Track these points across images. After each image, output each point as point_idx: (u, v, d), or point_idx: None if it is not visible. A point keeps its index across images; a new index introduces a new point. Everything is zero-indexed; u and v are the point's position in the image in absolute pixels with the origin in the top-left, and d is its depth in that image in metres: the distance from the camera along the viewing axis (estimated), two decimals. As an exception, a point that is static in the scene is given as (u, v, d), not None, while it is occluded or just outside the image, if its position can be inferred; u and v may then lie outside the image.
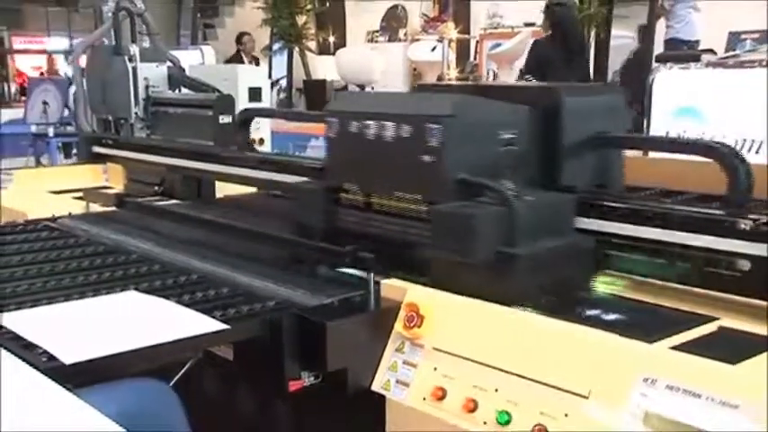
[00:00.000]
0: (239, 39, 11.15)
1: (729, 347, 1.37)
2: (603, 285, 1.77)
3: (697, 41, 7.45)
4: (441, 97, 1.86)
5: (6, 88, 15.19)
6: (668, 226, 1.63)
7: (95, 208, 2.69)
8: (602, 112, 1.90)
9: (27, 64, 16.41)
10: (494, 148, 1.73)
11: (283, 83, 12.11)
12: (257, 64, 11.09)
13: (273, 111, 7.51)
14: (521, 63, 9.82)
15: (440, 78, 10.32)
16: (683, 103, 6.16)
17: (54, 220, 2.52)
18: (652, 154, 2.25)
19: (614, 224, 1.72)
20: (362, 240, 1.82)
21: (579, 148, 1.83)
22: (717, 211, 1.62)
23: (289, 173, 2.34)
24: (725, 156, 1.65)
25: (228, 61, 10.89)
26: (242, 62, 10.54)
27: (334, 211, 1.94)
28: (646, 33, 7.69)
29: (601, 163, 1.88)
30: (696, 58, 6.35)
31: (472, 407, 1.41)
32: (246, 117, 2.82)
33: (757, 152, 5.84)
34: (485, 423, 1.39)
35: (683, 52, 6.45)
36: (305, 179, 2.16)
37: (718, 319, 1.55)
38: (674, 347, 1.39)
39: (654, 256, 1.69)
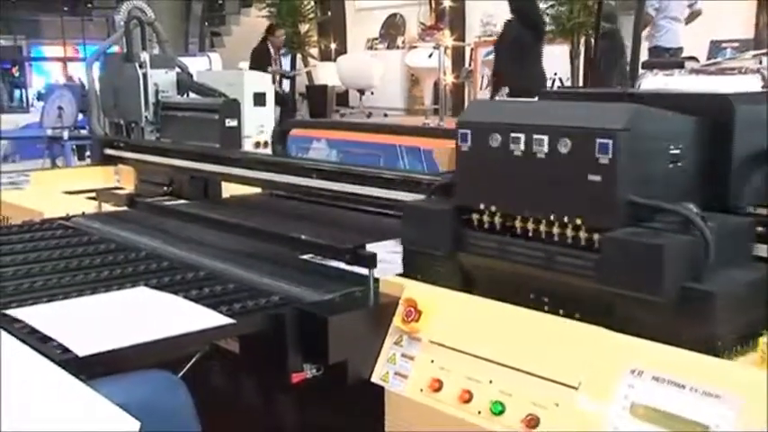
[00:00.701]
0: (271, 30, 10.88)
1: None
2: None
3: (679, 49, 7.46)
4: (611, 107, 1.49)
5: (24, 94, 15.19)
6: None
7: (107, 207, 2.69)
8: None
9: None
10: (665, 165, 1.45)
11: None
12: (279, 58, 10.90)
13: (324, 122, 7.27)
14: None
15: (436, 84, 10.32)
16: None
17: (68, 219, 2.52)
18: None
19: None
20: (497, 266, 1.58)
21: (751, 162, 1.52)
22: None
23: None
24: None
25: (255, 50, 10.68)
26: (268, 52, 10.34)
27: (465, 235, 1.64)
28: (633, 41, 7.70)
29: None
30: (680, 65, 6.35)
31: (467, 397, 1.41)
32: (286, 128, 2.70)
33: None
34: (479, 413, 1.39)
35: (668, 60, 6.45)
36: (422, 197, 1.88)
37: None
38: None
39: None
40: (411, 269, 1.72)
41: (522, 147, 1.49)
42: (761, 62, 6.11)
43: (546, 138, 1.45)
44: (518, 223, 1.54)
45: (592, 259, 1.40)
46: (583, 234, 1.44)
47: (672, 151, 1.45)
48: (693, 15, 7.44)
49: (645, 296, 1.32)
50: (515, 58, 6.71)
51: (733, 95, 1.59)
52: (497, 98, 6.77)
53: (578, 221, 1.44)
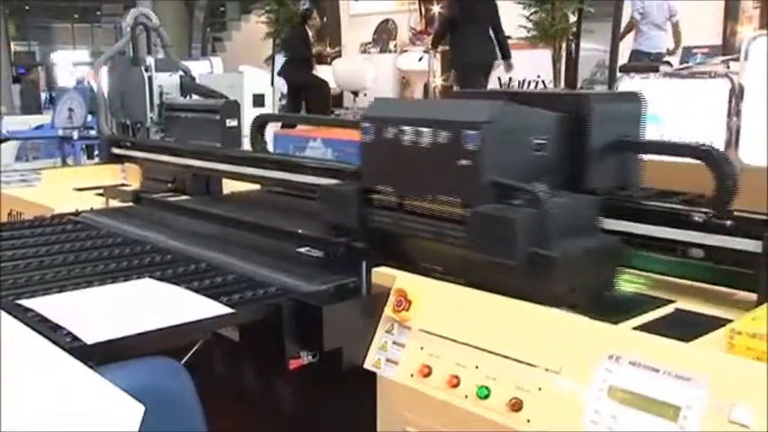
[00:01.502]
0: (309, 14, 10.30)
1: (684, 327, 1.37)
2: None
3: (661, 54, 7.49)
4: (480, 104, 1.69)
5: (36, 97, 15.20)
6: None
7: (114, 203, 2.68)
8: (619, 117, 1.78)
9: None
10: (529, 152, 1.63)
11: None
12: (320, 38, 10.53)
13: (295, 117, 7.37)
14: (499, 72, 9.84)
15: (426, 86, 10.32)
16: (644, 108, 6.18)
17: (77, 214, 2.51)
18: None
19: (635, 224, 1.63)
20: (394, 239, 1.77)
21: (602, 151, 1.72)
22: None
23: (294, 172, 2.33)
24: (716, 160, 1.58)
25: (292, 37, 10.30)
26: (306, 35, 9.93)
27: (368, 213, 1.83)
28: (611, 46, 7.73)
29: (621, 165, 1.77)
30: (655, 69, 6.38)
31: (455, 382, 1.41)
32: (261, 122, 2.76)
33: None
34: (466, 397, 1.39)
35: (644, 64, 6.47)
36: (337, 182, 2.05)
37: (674, 301, 1.56)
38: (636, 327, 1.40)
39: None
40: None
41: (409, 137, 1.68)
42: (728, 66, 6.17)
43: (428, 130, 1.64)
44: (409, 202, 1.73)
45: (464, 231, 1.59)
46: (458, 210, 1.61)
47: (535, 141, 1.64)
48: (676, 34, 7.47)
49: (501, 260, 1.50)
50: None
51: (591, 95, 1.82)
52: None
53: (454, 200, 1.62)
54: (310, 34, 9.97)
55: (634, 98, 1.80)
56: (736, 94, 5.69)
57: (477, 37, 7.08)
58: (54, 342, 1.29)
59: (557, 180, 1.64)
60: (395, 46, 12.19)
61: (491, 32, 7.11)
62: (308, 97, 9.36)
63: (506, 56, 7.34)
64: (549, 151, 1.66)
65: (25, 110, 12.58)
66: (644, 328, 1.40)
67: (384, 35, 12.80)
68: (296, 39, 10.00)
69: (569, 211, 1.55)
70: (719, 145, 5.75)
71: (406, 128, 1.69)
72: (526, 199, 1.52)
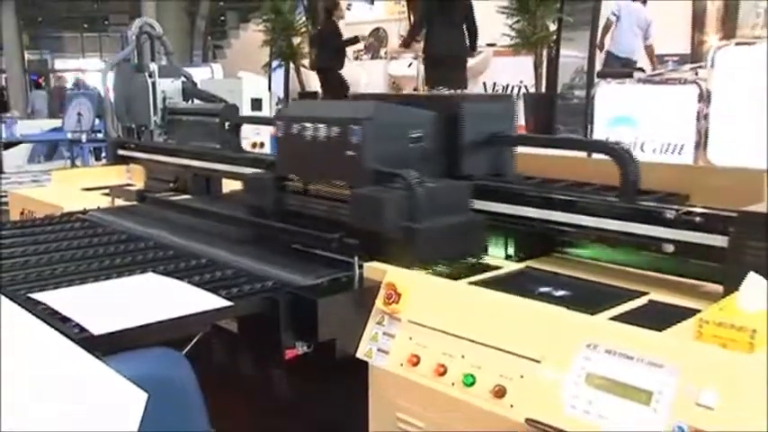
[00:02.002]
0: (335, 5, 10.06)
1: (656, 317, 1.37)
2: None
3: (629, 60, 7.51)
4: (364, 104, 1.92)
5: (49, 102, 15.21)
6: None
7: (120, 202, 2.67)
8: (491, 116, 2.02)
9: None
10: (404, 144, 1.84)
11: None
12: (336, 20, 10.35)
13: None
14: (484, 77, 9.86)
15: (415, 90, 10.30)
16: (619, 112, 6.21)
17: (85, 213, 2.50)
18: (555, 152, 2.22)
19: (502, 205, 1.83)
20: (301, 218, 1.99)
21: (474, 145, 1.94)
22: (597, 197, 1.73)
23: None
24: (619, 154, 1.71)
25: (321, 30, 9.99)
26: (336, 27, 9.71)
27: (281, 197, 2.08)
28: (589, 54, 7.74)
29: (495, 156, 2.00)
30: (629, 75, 6.40)
31: (442, 371, 1.41)
32: (238, 123, 2.86)
33: (680, 153, 5.91)
34: (453, 384, 1.39)
35: (620, 70, 6.50)
36: (259, 171, 2.25)
37: (648, 293, 1.56)
38: (613, 318, 1.40)
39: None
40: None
41: (310, 133, 1.88)
42: (696, 73, 6.21)
43: (323, 126, 1.85)
44: (312, 187, 2.00)
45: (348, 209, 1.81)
46: (347, 192, 1.81)
47: (412, 135, 1.84)
48: (650, 55, 7.49)
49: (376, 231, 1.68)
50: None
51: (463, 97, 2.09)
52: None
53: (344, 184, 1.85)
54: (338, 23, 9.71)
55: (506, 99, 2.04)
56: (704, 100, 5.73)
57: (449, 31, 7.04)
58: (63, 333, 1.28)
59: (436, 168, 1.87)
60: (385, 53, 12.18)
61: (464, 28, 7.09)
62: (331, 91, 9.27)
63: (473, 48, 7.35)
64: (428, 143, 1.87)
65: (52, 115, 12.54)
66: (619, 318, 1.40)
67: (375, 42, 12.80)
68: (324, 32, 9.75)
69: (437, 193, 1.74)
70: (689, 146, 5.79)
71: (307, 125, 1.89)
72: (404, 183, 1.71)
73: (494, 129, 1.98)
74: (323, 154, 1.85)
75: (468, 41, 7.16)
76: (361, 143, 1.74)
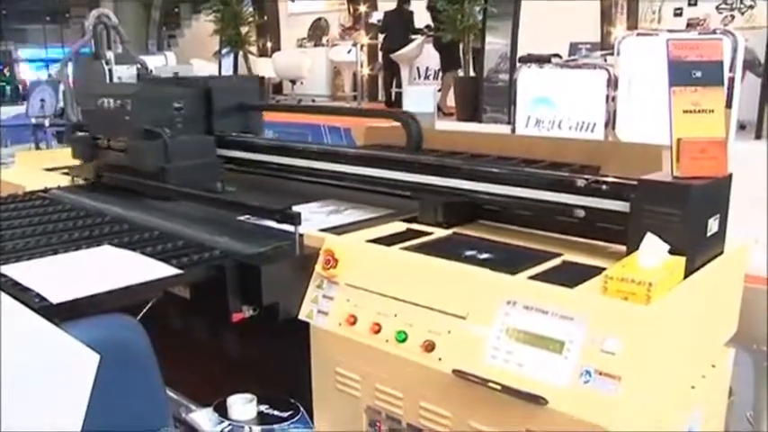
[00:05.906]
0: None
1: (569, 276, 1.39)
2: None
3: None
4: (133, 85, 2.70)
5: (11, 90, 14.55)
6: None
7: (79, 181, 2.57)
8: (240, 91, 2.53)
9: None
10: (171, 111, 2.27)
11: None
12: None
13: None
14: (417, 62, 9.82)
15: (354, 74, 10.23)
16: (539, 94, 6.30)
17: (46, 191, 2.41)
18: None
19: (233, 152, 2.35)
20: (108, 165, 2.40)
21: (224, 111, 2.44)
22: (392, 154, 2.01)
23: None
24: (404, 119, 2.06)
25: (391, 12, 9.27)
26: (410, 12, 9.07)
27: (97, 152, 2.44)
28: (512, 42, 7.79)
29: (245, 120, 2.51)
30: (547, 60, 6.48)
31: (377, 329, 1.41)
32: None
33: (592, 131, 6.04)
34: (387, 341, 1.39)
35: (539, 55, 6.56)
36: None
37: (562, 255, 1.58)
38: (530, 277, 1.41)
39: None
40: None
41: (105, 104, 2.30)
42: (605, 60, 6.34)
43: (111, 100, 2.28)
44: (111, 143, 2.36)
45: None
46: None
47: (175, 105, 2.29)
48: None
49: (139, 168, 2.22)
50: None
51: (211, 78, 2.76)
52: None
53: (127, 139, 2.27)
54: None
55: (253, 79, 2.54)
56: (612, 83, 5.87)
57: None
58: (23, 302, 1.23)
59: (198, 128, 2.35)
60: (327, 41, 12.04)
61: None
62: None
63: None
64: (188, 111, 2.31)
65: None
66: (536, 277, 1.41)
67: (318, 31, 12.63)
68: (395, 15, 9.18)
69: (185, 143, 2.21)
70: (600, 125, 5.93)
71: (104, 99, 2.30)
72: (169, 137, 2.17)
73: (240, 100, 2.47)
74: (113, 119, 2.27)
75: None
76: (131, 110, 2.20)
